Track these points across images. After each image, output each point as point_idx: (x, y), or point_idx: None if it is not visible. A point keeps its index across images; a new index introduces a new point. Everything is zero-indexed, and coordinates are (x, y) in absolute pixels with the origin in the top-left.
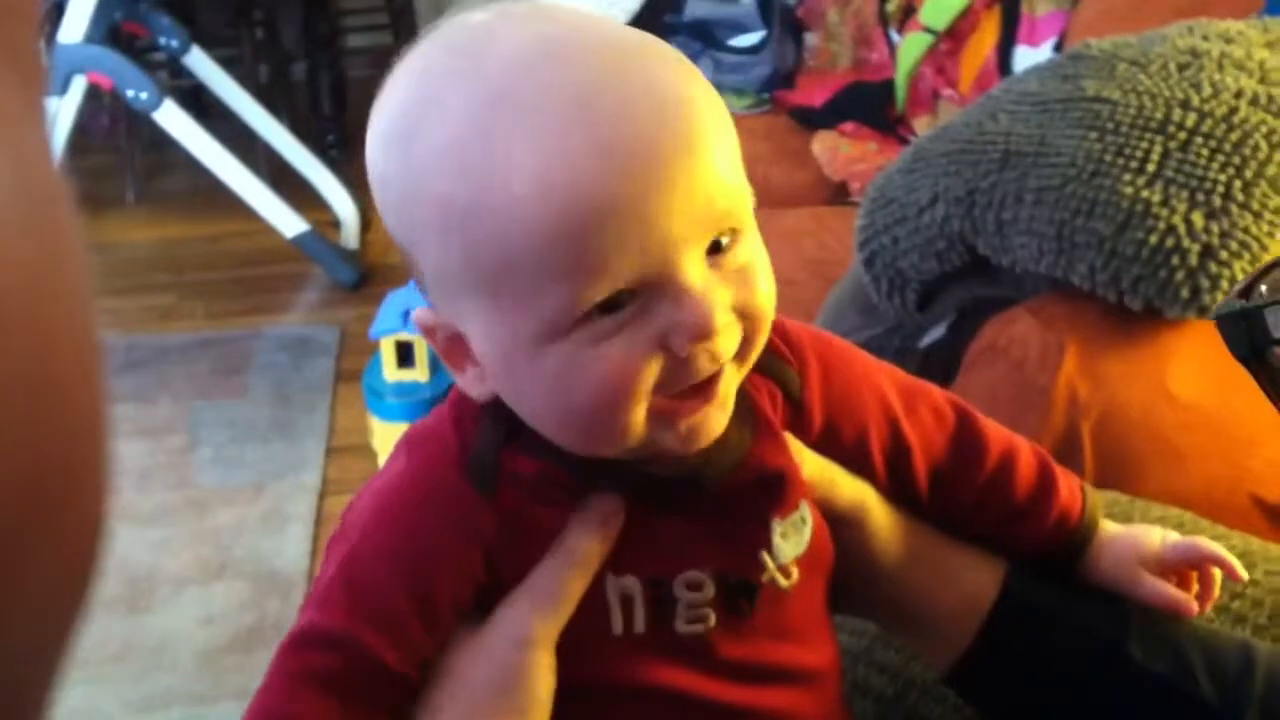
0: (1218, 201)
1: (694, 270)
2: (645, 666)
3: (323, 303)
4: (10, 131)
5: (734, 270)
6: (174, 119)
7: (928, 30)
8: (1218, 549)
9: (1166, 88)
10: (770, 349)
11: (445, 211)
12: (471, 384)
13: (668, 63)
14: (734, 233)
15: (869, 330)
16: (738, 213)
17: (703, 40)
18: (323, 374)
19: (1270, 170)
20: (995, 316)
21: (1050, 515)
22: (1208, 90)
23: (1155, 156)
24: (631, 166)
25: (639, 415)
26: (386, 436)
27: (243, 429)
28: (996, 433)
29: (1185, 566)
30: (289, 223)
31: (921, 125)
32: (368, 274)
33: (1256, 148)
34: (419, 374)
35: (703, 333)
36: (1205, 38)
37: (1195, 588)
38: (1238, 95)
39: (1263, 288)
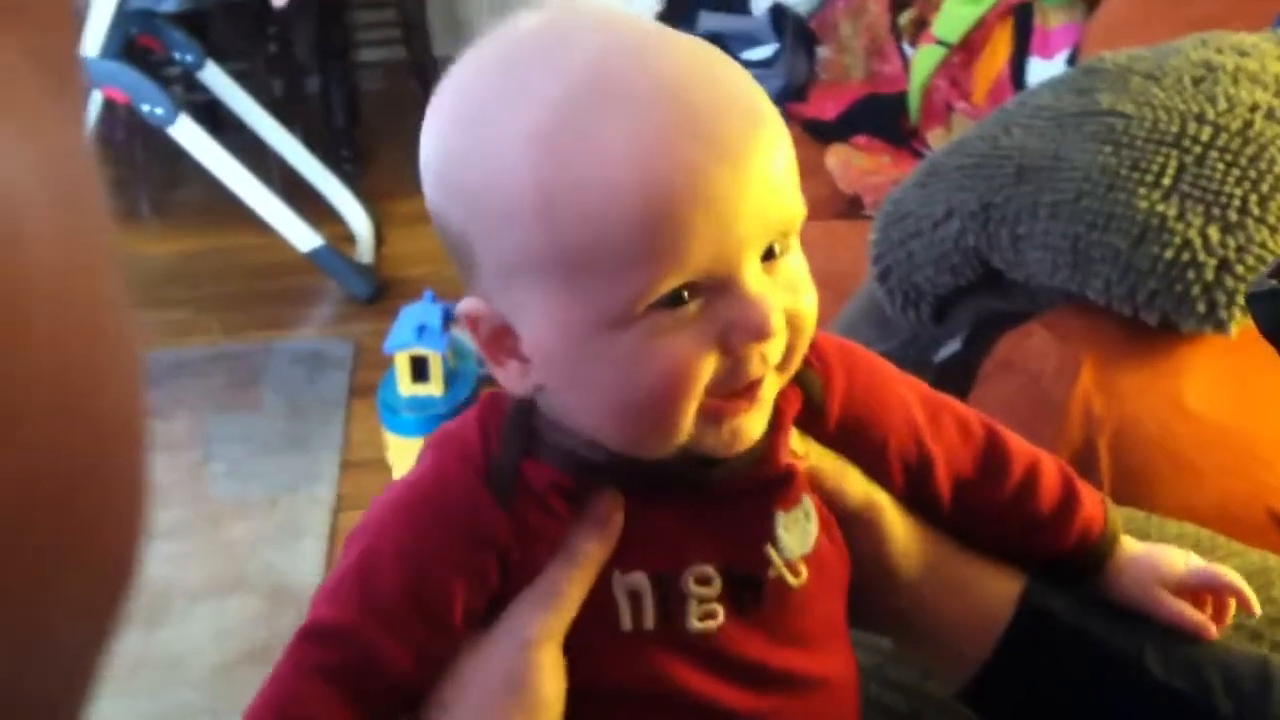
0: (1234, 215)
1: (755, 272)
2: (655, 665)
3: (337, 317)
4: (43, 128)
5: (784, 278)
6: (189, 134)
7: (940, 43)
8: (1237, 579)
9: (1181, 101)
10: None
11: (533, 195)
12: (513, 378)
13: (740, 70)
14: (786, 240)
15: (883, 344)
16: (794, 222)
17: None
18: (337, 388)
19: None
20: (1010, 331)
21: (1073, 529)
22: (1223, 104)
23: (1170, 170)
24: (727, 159)
25: (692, 411)
26: (401, 451)
27: (257, 443)
28: (1020, 447)
29: (1204, 591)
30: (304, 237)
31: (935, 138)
32: (382, 288)
33: (1272, 161)
34: (433, 388)
35: (762, 333)
36: (1220, 50)
37: (1209, 610)
38: (1253, 109)
39: None
